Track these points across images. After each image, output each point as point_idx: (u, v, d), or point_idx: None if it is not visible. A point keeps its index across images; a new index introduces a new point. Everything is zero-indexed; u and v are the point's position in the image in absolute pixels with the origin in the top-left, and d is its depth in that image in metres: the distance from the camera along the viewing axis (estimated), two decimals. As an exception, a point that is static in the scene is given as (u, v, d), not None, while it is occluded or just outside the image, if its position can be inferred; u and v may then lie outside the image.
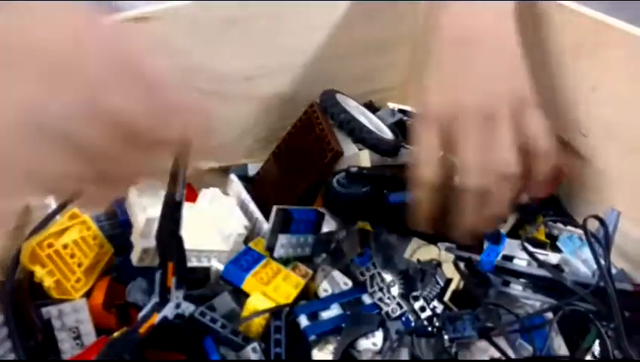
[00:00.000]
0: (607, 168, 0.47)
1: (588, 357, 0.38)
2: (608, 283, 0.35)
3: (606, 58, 0.45)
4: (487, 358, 0.39)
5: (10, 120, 0.26)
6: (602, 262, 0.37)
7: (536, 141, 0.38)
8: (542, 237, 0.48)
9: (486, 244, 0.42)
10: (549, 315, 0.39)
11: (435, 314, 0.40)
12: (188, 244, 0.41)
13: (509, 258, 0.42)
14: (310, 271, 0.45)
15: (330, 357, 0.38)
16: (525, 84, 0.39)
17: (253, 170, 0.58)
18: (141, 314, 0.39)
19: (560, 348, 0.40)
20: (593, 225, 0.43)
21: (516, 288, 0.40)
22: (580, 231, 0.47)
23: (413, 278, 0.44)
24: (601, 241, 0.38)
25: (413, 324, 0.41)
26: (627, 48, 0.43)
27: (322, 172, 0.50)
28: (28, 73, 0.26)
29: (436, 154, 0.37)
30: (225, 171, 0.57)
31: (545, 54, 0.49)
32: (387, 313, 0.42)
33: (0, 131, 0.26)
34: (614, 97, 0.45)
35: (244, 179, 0.55)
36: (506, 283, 0.40)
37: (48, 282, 0.41)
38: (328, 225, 0.48)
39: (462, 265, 0.41)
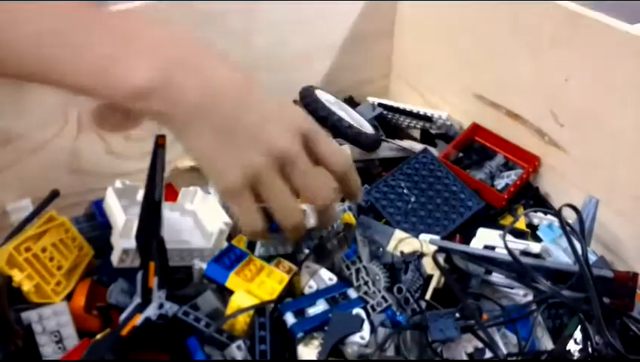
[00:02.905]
0: (584, 157, 0.48)
1: (570, 343, 0.38)
2: (585, 271, 0.36)
3: (579, 48, 0.45)
4: (471, 349, 0.39)
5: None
6: (579, 249, 0.37)
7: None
8: (522, 227, 0.48)
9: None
10: (532, 302, 0.39)
11: (418, 311, 0.40)
12: (169, 243, 0.41)
13: (490, 248, 0.42)
14: (294, 267, 0.45)
15: (315, 352, 0.38)
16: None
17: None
18: (123, 316, 0.39)
19: (543, 335, 0.40)
20: (572, 214, 0.44)
21: (498, 277, 0.40)
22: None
23: (398, 271, 0.44)
24: (576, 230, 0.39)
25: (397, 317, 0.41)
26: (599, 38, 0.44)
27: None
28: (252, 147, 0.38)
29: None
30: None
31: (520, 45, 0.49)
32: (372, 306, 0.42)
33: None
34: (588, 87, 0.46)
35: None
36: (489, 272, 0.41)
37: (27, 286, 0.41)
38: (310, 222, 0.48)
39: (442, 258, 0.41)
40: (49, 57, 0.36)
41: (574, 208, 0.41)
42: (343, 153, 0.45)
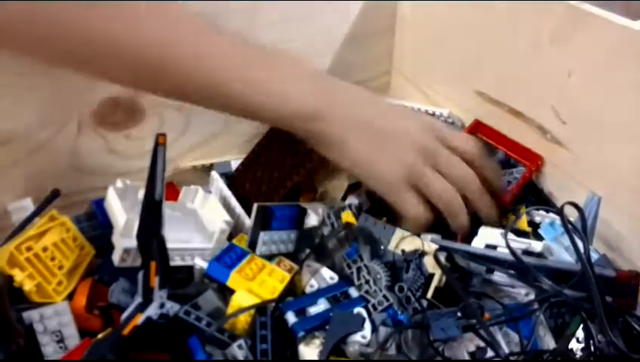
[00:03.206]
0: (586, 154, 0.48)
1: (573, 342, 0.38)
2: (587, 270, 0.36)
3: (581, 44, 0.45)
4: (473, 347, 0.39)
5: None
6: (581, 248, 0.37)
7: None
8: (524, 226, 0.48)
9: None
10: (534, 301, 0.39)
11: (420, 310, 0.40)
12: (170, 243, 0.41)
13: (492, 247, 0.42)
14: (295, 266, 0.45)
15: (316, 351, 0.37)
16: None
17: (235, 167, 0.57)
18: (124, 315, 0.39)
19: (545, 334, 0.40)
20: (574, 212, 0.44)
21: (500, 276, 0.40)
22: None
23: (399, 269, 0.44)
24: (577, 227, 0.39)
25: (399, 316, 0.41)
26: (601, 34, 0.43)
27: (308, 172, 0.50)
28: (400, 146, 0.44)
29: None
30: (208, 169, 0.56)
31: (521, 41, 0.49)
32: (374, 305, 0.42)
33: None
34: (590, 84, 0.45)
35: (227, 176, 0.54)
36: (490, 271, 0.41)
37: (29, 286, 0.41)
38: (311, 221, 0.48)
39: (443, 257, 0.41)
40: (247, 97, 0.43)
41: (576, 206, 0.41)
42: (472, 139, 0.49)
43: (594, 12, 0.43)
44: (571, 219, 0.47)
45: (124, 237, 0.41)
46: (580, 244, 0.38)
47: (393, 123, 0.45)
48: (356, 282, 0.43)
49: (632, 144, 0.44)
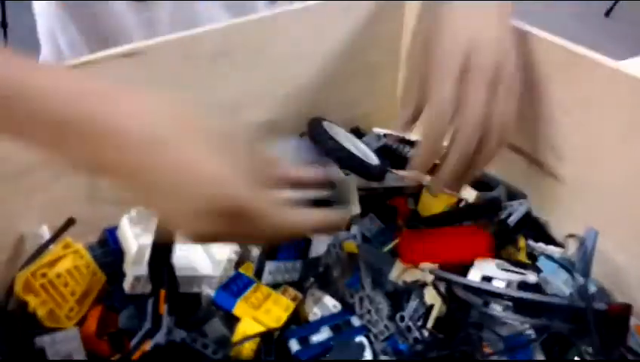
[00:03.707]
0: (583, 189, 0.49)
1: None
2: (588, 305, 0.37)
3: (575, 85, 0.47)
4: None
5: None
6: (580, 281, 0.38)
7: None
8: (523, 257, 0.49)
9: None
10: (531, 332, 0.40)
11: (421, 340, 0.41)
12: (179, 271, 0.42)
13: (487, 278, 0.43)
14: (300, 295, 0.46)
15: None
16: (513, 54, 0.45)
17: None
18: (134, 341, 0.40)
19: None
20: (572, 245, 0.45)
21: (496, 308, 0.41)
22: (560, 250, 0.48)
23: (401, 299, 0.45)
24: (575, 262, 0.40)
25: (399, 346, 0.42)
26: (596, 76, 0.45)
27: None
28: None
29: (451, 108, 0.42)
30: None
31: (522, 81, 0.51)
32: (375, 334, 0.43)
33: None
34: (585, 122, 0.47)
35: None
36: (486, 304, 0.42)
37: (42, 312, 0.42)
38: (316, 250, 0.49)
39: (443, 287, 0.42)
40: None
41: (580, 239, 0.42)
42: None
43: (589, 56, 0.46)
44: (570, 252, 0.49)
45: (135, 265, 0.43)
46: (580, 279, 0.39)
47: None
48: (358, 311, 0.45)
49: (626, 179, 0.45)
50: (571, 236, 0.45)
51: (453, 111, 0.42)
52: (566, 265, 0.40)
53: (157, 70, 0.50)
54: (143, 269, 0.42)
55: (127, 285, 0.43)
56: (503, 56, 0.43)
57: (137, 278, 0.43)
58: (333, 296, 0.46)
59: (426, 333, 0.41)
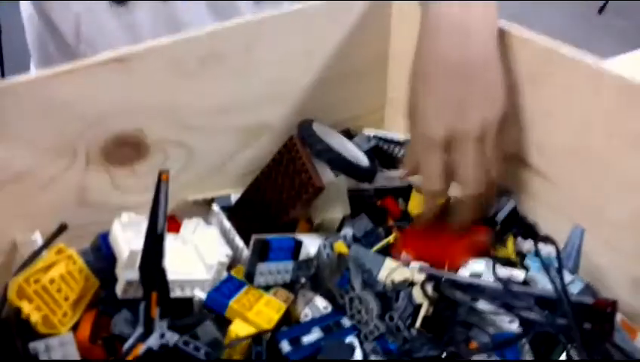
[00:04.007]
0: (569, 187, 0.50)
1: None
2: (563, 300, 0.37)
3: (558, 84, 0.48)
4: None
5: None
6: (558, 278, 0.39)
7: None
8: (512, 255, 0.50)
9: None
10: (518, 329, 0.41)
11: (409, 339, 0.42)
12: (171, 274, 0.43)
13: (476, 275, 0.44)
14: (291, 296, 0.47)
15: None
16: (502, 111, 0.47)
17: (235, 200, 0.59)
18: (126, 345, 0.40)
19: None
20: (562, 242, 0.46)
21: (484, 305, 0.42)
22: (548, 249, 0.49)
23: (390, 298, 0.46)
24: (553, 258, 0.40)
25: (389, 345, 0.42)
26: (576, 74, 0.46)
27: (303, 206, 0.52)
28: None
29: (441, 172, 0.46)
30: (209, 203, 0.59)
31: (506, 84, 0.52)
32: (365, 334, 0.44)
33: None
34: (567, 121, 0.48)
35: (227, 209, 0.57)
36: (475, 300, 0.42)
37: (35, 317, 0.42)
38: (307, 252, 0.49)
39: (431, 287, 0.43)
40: None
41: (551, 240, 0.44)
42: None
43: (569, 54, 0.46)
44: (557, 248, 0.49)
45: (127, 270, 0.43)
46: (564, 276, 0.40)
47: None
48: (348, 312, 0.45)
49: (613, 177, 0.46)
50: (543, 237, 0.46)
51: (447, 177, 0.46)
52: (549, 264, 0.40)
53: (146, 76, 0.50)
54: (134, 274, 0.43)
55: (119, 290, 0.44)
56: (489, 108, 0.45)
57: (129, 282, 0.43)
58: (324, 296, 0.46)
59: (414, 332, 0.42)
